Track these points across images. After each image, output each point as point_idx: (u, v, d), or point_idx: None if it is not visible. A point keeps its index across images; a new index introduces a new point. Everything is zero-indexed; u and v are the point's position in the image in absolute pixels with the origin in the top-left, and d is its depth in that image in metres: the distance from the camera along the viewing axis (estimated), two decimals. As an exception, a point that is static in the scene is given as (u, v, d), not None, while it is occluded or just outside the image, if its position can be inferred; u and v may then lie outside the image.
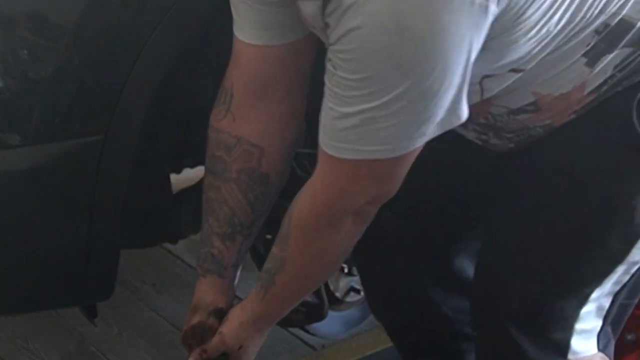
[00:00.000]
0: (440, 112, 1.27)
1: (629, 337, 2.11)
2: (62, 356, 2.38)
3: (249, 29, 1.47)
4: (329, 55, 1.28)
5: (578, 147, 1.47)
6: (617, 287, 1.53)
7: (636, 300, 1.62)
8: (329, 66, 1.29)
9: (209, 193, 1.58)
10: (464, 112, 1.30)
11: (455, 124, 1.31)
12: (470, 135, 1.50)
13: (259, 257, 1.87)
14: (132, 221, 1.74)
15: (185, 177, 2.02)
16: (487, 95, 1.41)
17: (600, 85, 1.42)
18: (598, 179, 1.45)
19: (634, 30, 1.39)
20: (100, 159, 1.55)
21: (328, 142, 1.33)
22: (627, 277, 1.52)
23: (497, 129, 1.50)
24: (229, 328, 1.55)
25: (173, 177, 1.90)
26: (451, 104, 1.27)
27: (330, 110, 1.31)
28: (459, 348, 1.80)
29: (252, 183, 1.56)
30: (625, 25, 1.38)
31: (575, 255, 1.49)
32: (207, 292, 1.59)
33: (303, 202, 1.43)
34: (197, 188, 1.99)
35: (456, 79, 1.25)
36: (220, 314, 1.57)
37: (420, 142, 1.31)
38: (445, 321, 1.76)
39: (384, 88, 1.24)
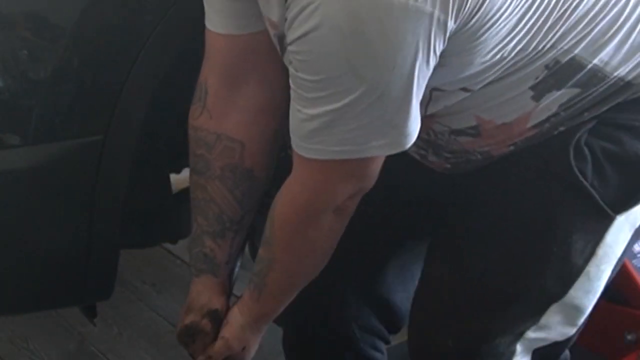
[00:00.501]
0: (403, 118, 1.27)
1: (629, 337, 2.11)
2: (62, 356, 2.38)
3: (218, 18, 1.45)
4: (289, 56, 1.28)
5: (517, 183, 1.46)
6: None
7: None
8: (290, 68, 1.28)
9: (195, 192, 1.57)
10: (417, 125, 1.31)
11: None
12: (410, 148, 1.49)
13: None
14: (132, 221, 1.73)
15: (185, 177, 2.01)
16: (431, 110, 1.40)
17: (543, 121, 1.40)
18: (535, 217, 1.44)
19: (583, 72, 1.37)
20: (100, 159, 1.55)
21: (298, 142, 1.33)
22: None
23: (436, 146, 1.48)
24: (231, 332, 1.55)
25: (173, 177, 1.90)
26: (411, 112, 1.28)
27: (297, 112, 1.30)
28: None
29: (237, 179, 1.54)
30: (575, 65, 1.36)
31: (511, 293, 1.47)
32: (201, 292, 1.59)
33: (283, 204, 1.42)
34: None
35: (412, 89, 1.25)
36: (215, 316, 1.57)
37: (384, 149, 1.31)
38: (351, 339, 1.71)
39: (342, 90, 1.24)
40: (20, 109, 1.52)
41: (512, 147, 1.44)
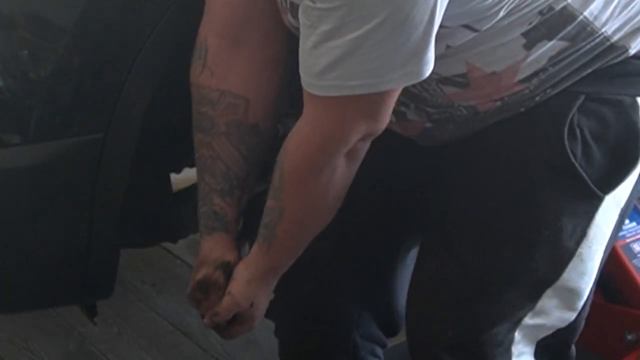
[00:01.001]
0: (424, 45, 1.25)
1: (629, 337, 2.11)
2: (62, 356, 2.38)
3: None
4: None
5: (505, 167, 1.45)
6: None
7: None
8: (304, 3, 1.26)
9: (201, 151, 1.56)
10: (433, 54, 1.28)
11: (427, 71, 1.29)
12: None
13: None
14: (132, 220, 1.73)
15: (185, 177, 2.02)
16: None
17: (532, 76, 1.40)
18: (524, 200, 1.44)
19: (574, 24, 1.38)
20: (100, 157, 1.55)
21: (311, 82, 1.30)
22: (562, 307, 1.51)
23: (420, 99, 1.45)
24: (237, 288, 1.52)
25: (173, 176, 1.90)
26: (432, 38, 1.26)
27: (311, 49, 1.27)
28: None
29: (243, 135, 1.53)
30: (567, 15, 1.37)
31: (504, 279, 1.47)
32: (213, 248, 1.56)
33: (294, 149, 1.39)
34: (197, 188, 1.99)
35: (435, 12, 1.23)
36: (227, 268, 1.54)
37: (403, 79, 1.28)
38: (353, 348, 1.69)
39: (365, 15, 1.21)
40: (21, 108, 1.52)
41: (498, 103, 1.43)
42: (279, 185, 1.43)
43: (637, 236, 2.07)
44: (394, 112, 1.45)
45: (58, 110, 1.52)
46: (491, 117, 1.45)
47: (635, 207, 2.09)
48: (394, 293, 1.69)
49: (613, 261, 2.09)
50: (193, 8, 1.56)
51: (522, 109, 1.44)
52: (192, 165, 1.99)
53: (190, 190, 1.98)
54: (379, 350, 1.73)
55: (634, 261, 2.13)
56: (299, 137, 1.38)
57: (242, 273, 1.53)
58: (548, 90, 1.42)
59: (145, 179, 1.77)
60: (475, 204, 1.47)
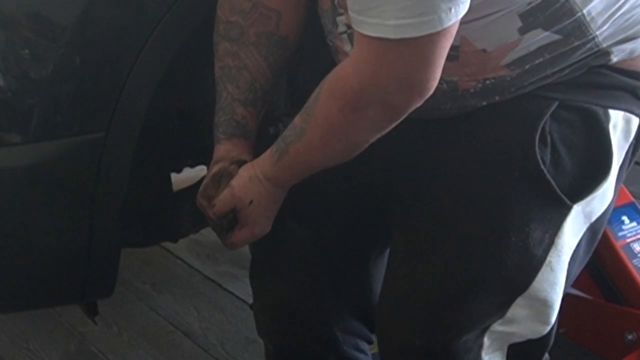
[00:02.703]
0: None
1: (629, 337, 2.11)
2: (62, 356, 2.38)
3: None
4: None
5: (474, 171, 1.43)
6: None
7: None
8: None
9: (226, 60, 1.55)
10: None
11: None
12: None
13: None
14: (132, 220, 1.73)
15: (186, 176, 2.02)
16: None
17: (518, 62, 1.39)
18: (492, 205, 1.42)
19: (571, 19, 1.38)
20: (100, 157, 1.55)
21: (356, 17, 1.28)
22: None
23: None
24: (238, 181, 1.50)
25: (173, 176, 1.90)
26: None
27: None
28: None
29: (272, 46, 1.54)
30: (567, 8, 1.37)
31: (473, 285, 1.45)
32: (231, 149, 1.54)
33: (334, 80, 1.37)
34: (197, 187, 1.99)
35: None
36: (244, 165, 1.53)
37: (447, 21, 1.24)
38: (334, 343, 1.66)
39: None
40: (22, 107, 1.52)
41: (479, 85, 1.42)
42: (312, 105, 1.40)
43: (637, 236, 2.07)
44: None
45: (59, 110, 1.52)
46: (467, 99, 1.44)
47: (635, 207, 2.09)
48: (372, 287, 1.67)
49: (613, 261, 2.10)
50: (195, 7, 1.56)
51: (497, 98, 1.42)
52: (192, 165, 2.00)
53: (191, 190, 1.98)
54: (364, 345, 1.71)
55: (634, 261, 2.13)
56: (343, 71, 1.36)
57: (247, 170, 1.51)
58: (526, 85, 1.41)
59: (146, 179, 1.77)
60: (444, 207, 1.45)
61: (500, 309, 1.46)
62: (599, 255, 1.95)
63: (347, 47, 1.46)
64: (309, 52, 1.77)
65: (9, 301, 1.68)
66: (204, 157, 1.93)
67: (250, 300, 1.81)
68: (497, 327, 1.48)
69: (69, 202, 1.58)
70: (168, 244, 2.33)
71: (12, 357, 2.37)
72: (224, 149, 1.56)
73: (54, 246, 1.60)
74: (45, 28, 1.52)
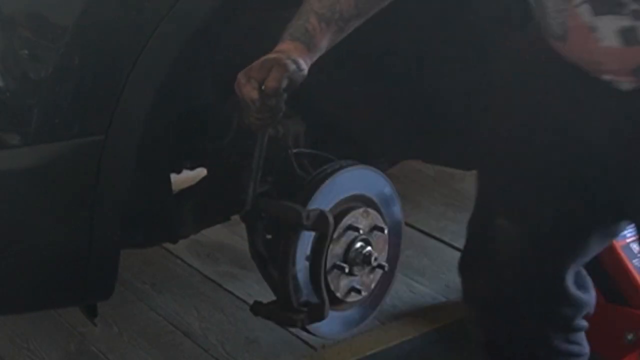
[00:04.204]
0: None
1: (629, 337, 2.11)
2: (62, 356, 2.38)
3: None
4: None
5: None
6: None
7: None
8: None
9: None
10: None
11: None
12: (624, 22, 1.36)
13: (259, 257, 1.87)
14: (132, 221, 1.73)
15: (186, 177, 2.02)
16: None
17: None
18: None
19: None
20: (100, 159, 1.55)
21: None
22: None
23: None
24: (281, 47, 1.53)
25: (173, 177, 1.90)
26: None
27: None
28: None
29: None
30: None
31: None
32: (292, 50, 1.54)
33: None
34: (197, 188, 1.99)
35: None
36: (298, 64, 1.52)
37: None
38: (544, 337, 1.68)
39: None
40: (21, 109, 1.52)
41: None
42: None
43: (637, 236, 2.06)
44: (626, 32, 1.37)
45: (58, 111, 1.52)
46: None
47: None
48: (583, 276, 1.69)
49: (613, 261, 2.10)
50: (195, 10, 1.56)
51: None
52: (191, 167, 2.00)
53: (190, 191, 1.98)
54: (575, 336, 1.72)
55: (634, 261, 2.13)
56: None
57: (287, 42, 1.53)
58: None
59: (146, 180, 1.77)
60: None
61: None
62: (599, 256, 1.95)
63: (585, 19, 1.39)
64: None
65: (9, 303, 1.68)
66: (202, 159, 1.93)
67: (251, 300, 1.82)
68: None
69: (68, 205, 1.58)
70: (168, 244, 2.33)
71: (12, 357, 2.37)
72: (286, 47, 1.55)
73: (53, 248, 1.60)
74: (45, 29, 1.52)
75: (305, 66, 1.52)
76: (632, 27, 1.37)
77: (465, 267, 1.71)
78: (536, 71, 1.54)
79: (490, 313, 1.69)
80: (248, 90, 1.49)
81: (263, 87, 1.49)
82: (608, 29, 1.38)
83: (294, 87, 1.50)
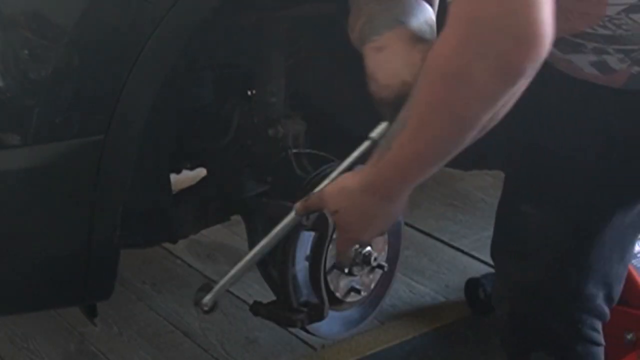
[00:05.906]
0: None
1: (629, 337, 2.11)
2: (62, 356, 2.38)
3: None
4: None
5: None
6: None
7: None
8: None
9: None
10: None
11: None
12: (591, 58, 1.36)
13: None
14: (132, 221, 1.73)
15: (185, 177, 2.02)
16: None
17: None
18: None
19: None
20: (100, 159, 1.55)
21: None
22: None
23: (615, 39, 1.37)
24: (331, 189, 1.48)
25: (173, 177, 1.90)
26: None
27: None
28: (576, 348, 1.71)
29: None
30: None
31: None
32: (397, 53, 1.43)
33: (435, 47, 1.25)
34: (197, 188, 2.00)
35: None
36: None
37: None
38: (573, 324, 1.67)
39: None
40: (21, 109, 1.52)
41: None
42: (412, 95, 1.30)
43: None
44: (597, 64, 1.36)
45: (58, 111, 1.52)
46: None
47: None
48: (607, 262, 1.67)
49: (613, 261, 2.09)
50: (195, 10, 1.56)
51: None
52: (191, 168, 2.00)
53: (190, 191, 1.99)
54: (598, 324, 1.71)
55: (634, 261, 2.13)
56: (443, 37, 1.23)
57: (343, 179, 1.47)
58: None
59: (146, 180, 1.77)
60: None
61: None
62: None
63: (559, 55, 1.41)
64: (309, 56, 1.78)
65: (9, 303, 1.68)
66: (202, 160, 1.93)
67: (250, 300, 1.82)
68: None
69: (68, 205, 1.58)
70: (168, 244, 2.33)
71: (12, 357, 2.37)
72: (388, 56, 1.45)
73: (53, 248, 1.60)
74: (45, 29, 1.52)
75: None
76: (600, 61, 1.39)
77: (495, 250, 1.72)
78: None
79: (520, 301, 1.68)
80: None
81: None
82: (582, 62, 1.42)
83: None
